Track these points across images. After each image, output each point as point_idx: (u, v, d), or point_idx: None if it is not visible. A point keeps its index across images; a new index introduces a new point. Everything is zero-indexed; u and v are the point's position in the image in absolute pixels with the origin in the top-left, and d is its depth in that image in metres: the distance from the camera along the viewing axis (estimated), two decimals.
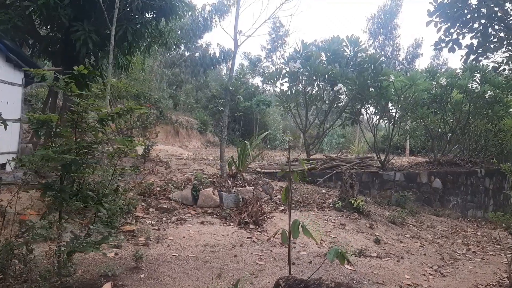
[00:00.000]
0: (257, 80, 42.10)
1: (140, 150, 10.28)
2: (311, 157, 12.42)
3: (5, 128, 3.64)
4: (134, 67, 18.62)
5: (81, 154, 3.20)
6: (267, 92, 39.92)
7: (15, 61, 6.75)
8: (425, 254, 6.87)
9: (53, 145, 3.51)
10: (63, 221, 3.52)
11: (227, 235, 6.05)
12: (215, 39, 69.16)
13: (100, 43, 8.77)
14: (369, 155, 14.09)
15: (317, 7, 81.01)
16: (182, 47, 34.35)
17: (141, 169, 9.16)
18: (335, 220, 7.65)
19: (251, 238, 6.05)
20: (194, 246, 5.40)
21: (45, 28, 9.78)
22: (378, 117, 12.72)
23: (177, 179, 9.20)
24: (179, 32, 29.02)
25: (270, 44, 42.08)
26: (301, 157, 12.66)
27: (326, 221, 7.52)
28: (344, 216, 7.99)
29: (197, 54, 35.41)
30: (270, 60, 41.84)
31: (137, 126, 8.14)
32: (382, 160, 12.39)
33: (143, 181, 8.19)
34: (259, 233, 6.44)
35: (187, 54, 35.33)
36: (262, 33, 40.21)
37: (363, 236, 7.15)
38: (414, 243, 7.59)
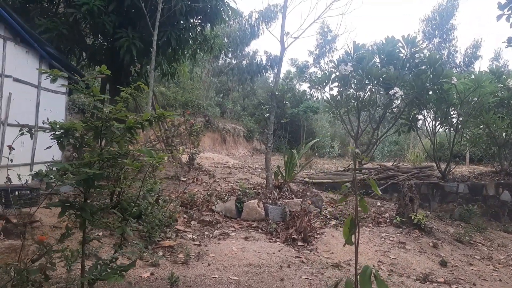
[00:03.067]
0: (304, 87, 41.42)
1: (184, 159, 10.03)
2: (363, 166, 11.62)
3: (31, 137, 3.35)
4: (182, 76, 18.67)
5: (105, 167, 2.81)
6: (314, 98, 39.10)
7: (58, 68, 6.65)
8: (500, 280, 5.96)
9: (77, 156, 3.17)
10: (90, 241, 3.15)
11: (273, 253, 5.51)
12: (262, 46, 68.98)
13: (144, 50, 8.60)
14: (427, 164, 13.04)
15: (366, 11, 78.99)
16: (230, 55, 34.50)
17: (185, 178, 8.86)
18: (393, 237, 6.88)
19: (300, 257, 5.47)
20: (237, 266, 4.91)
21: (91, 36, 9.80)
22: (437, 123, 11.69)
23: (221, 189, 8.82)
24: (226, 40, 29.11)
25: (318, 50, 41.28)
26: (352, 167, 11.89)
27: (383, 238, 6.77)
28: (404, 233, 7.19)
29: (244, 62, 35.39)
30: (317, 65, 41.03)
31: (178, 134, 7.82)
32: (443, 169, 11.34)
33: (186, 191, 7.86)
34: (308, 251, 5.84)
35: (234, 62, 35.43)
36: (310, 34, 39.41)
37: (426, 257, 6.34)
38: (485, 266, 6.66)
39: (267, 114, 8.46)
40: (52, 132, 2.99)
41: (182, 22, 9.01)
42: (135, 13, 8.56)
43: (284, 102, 8.98)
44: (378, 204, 9.49)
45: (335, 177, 10.69)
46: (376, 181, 10.06)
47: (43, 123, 6.66)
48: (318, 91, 40.06)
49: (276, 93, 7.82)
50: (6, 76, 6.21)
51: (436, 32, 37.14)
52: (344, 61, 10.31)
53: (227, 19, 10.39)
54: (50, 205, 2.71)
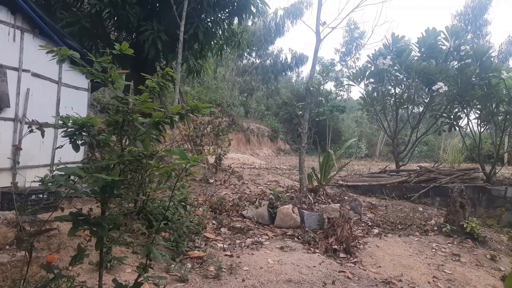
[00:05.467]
0: (329, 86, 40.53)
1: (211, 159, 9.52)
2: (401, 168, 10.85)
3: (42, 135, 2.86)
4: (206, 74, 18.26)
5: (126, 171, 2.28)
6: (339, 98, 38.17)
7: (79, 63, 6.22)
8: None
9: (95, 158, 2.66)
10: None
11: (314, 266, 4.89)
12: (287, 44, 68.00)
13: (170, 44, 8.11)
14: (470, 166, 12.13)
15: (394, 9, 77.13)
16: (253, 54, 34.02)
17: (212, 180, 8.34)
18: (445, 248, 6.15)
19: (344, 272, 4.83)
20: (275, 282, 4.32)
21: (114, 30, 9.37)
22: (482, 121, 10.79)
23: (250, 192, 8.26)
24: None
25: (344, 47, 40.25)
26: (389, 168, 11.16)
27: (434, 250, 6.06)
28: (455, 243, 6.45)
29: (268, 61, 34.84)
30: (344, 63, 40.00)
31: (208, 134, 7.27)
32: (488, 172, 10.47)
33: (214, 194, 7.32)
34: (353, 264, 5.20)
35: (258, 61, 34.91)
36: (344, 25, 38.11)
37: (485, 272, 5.60)
38: None
39: (300, 112, 7.82)
40: (64, 129, 2.48)
41: (210, 14, 8.47)
42: (160, 5, 8.07)
43: (320, 98, 8.34)
44: (420, 209, 8.75)
45: (371, 179, 9.97)
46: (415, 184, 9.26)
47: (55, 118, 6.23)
48: (345, 90, 39.12)
49: (311, 88, 7.18)
50: (24, 70, 5.79)
51: (469, 27, 35.58)
52: (382, 55, 9.57)
53: (255, 11, 9.81)
54: (58, 219, 2.19)
